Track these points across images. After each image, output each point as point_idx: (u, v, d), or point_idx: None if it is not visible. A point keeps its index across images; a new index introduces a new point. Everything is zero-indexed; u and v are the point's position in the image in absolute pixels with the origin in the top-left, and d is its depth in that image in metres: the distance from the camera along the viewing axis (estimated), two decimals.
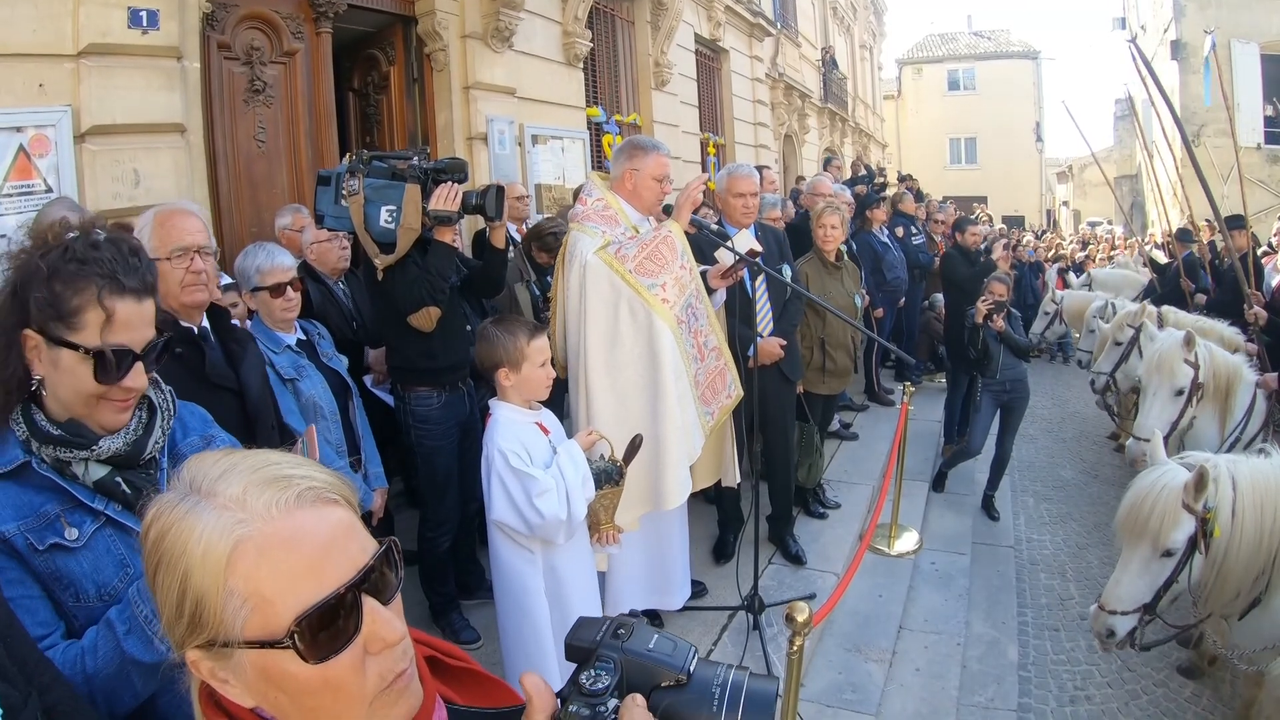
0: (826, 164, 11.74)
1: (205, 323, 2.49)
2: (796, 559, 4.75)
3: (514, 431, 2.69)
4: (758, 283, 4.41)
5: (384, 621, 0.87)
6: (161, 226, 2.39)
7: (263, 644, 0.82)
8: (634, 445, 2.91)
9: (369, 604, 0.86)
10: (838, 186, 7.94)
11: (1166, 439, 4.10)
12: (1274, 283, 6.66)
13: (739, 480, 4.20)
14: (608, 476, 2.84)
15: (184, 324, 2.37)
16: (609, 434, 3.07)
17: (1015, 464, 7.32)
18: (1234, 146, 7.28)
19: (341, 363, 3.56)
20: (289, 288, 3.28)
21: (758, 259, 3.79)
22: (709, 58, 12.65)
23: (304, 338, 3.43)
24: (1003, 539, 6.15)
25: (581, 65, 8.52)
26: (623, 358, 3.35)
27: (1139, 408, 4.88)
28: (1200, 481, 2.88)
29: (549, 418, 2.89)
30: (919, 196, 12.02)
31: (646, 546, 3.77)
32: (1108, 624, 3.10)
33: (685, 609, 4.03)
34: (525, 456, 2.63)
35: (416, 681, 0.93)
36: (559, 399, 4.44)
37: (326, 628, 0.82)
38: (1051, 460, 8.21)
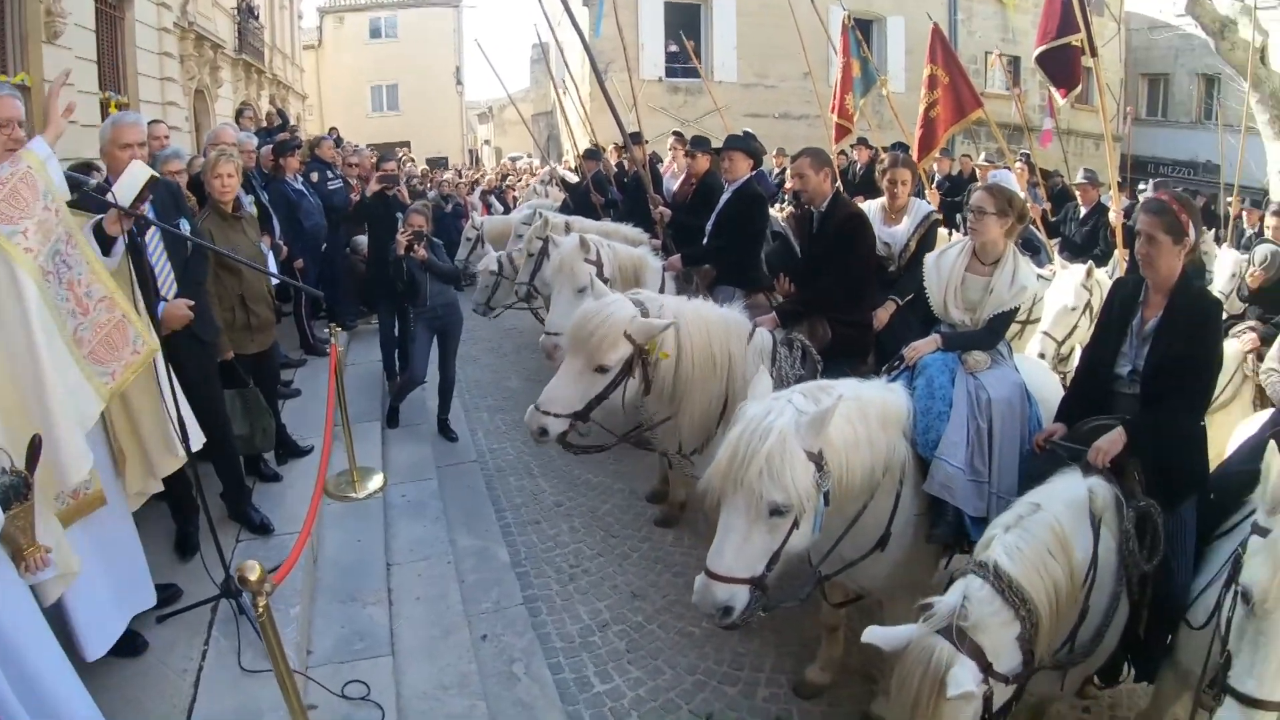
0: (239, 115, 10.96)
1: None
2: (264, 529, 4.53)
3: None
4: (150, 238, 3.82)
5: None
6: None
7: None
8: (34, 446, 2.42)
9: None
10: (245, 135, 7.54)
11: None
12: (674, 186, 7.91)
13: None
14: (15, 491, 2.35)
15: None
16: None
17: (463, 384, 7.76)
18: (630, 80, 9.24)
19: None
20: None
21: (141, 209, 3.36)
22: (111, 6, 10.90)
23: None
24: (466, 456, 6.51)
25: None
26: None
27: (550, 307, 5.49)
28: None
29: None
30: (338, 143, 11.99)
31: (104, 555, 3.27)
32: (540, 423, 3.54)
33: (165, 617, 3.64)
34: None
35: None
36: None
37: None
38: (496, 375, 8.80)
